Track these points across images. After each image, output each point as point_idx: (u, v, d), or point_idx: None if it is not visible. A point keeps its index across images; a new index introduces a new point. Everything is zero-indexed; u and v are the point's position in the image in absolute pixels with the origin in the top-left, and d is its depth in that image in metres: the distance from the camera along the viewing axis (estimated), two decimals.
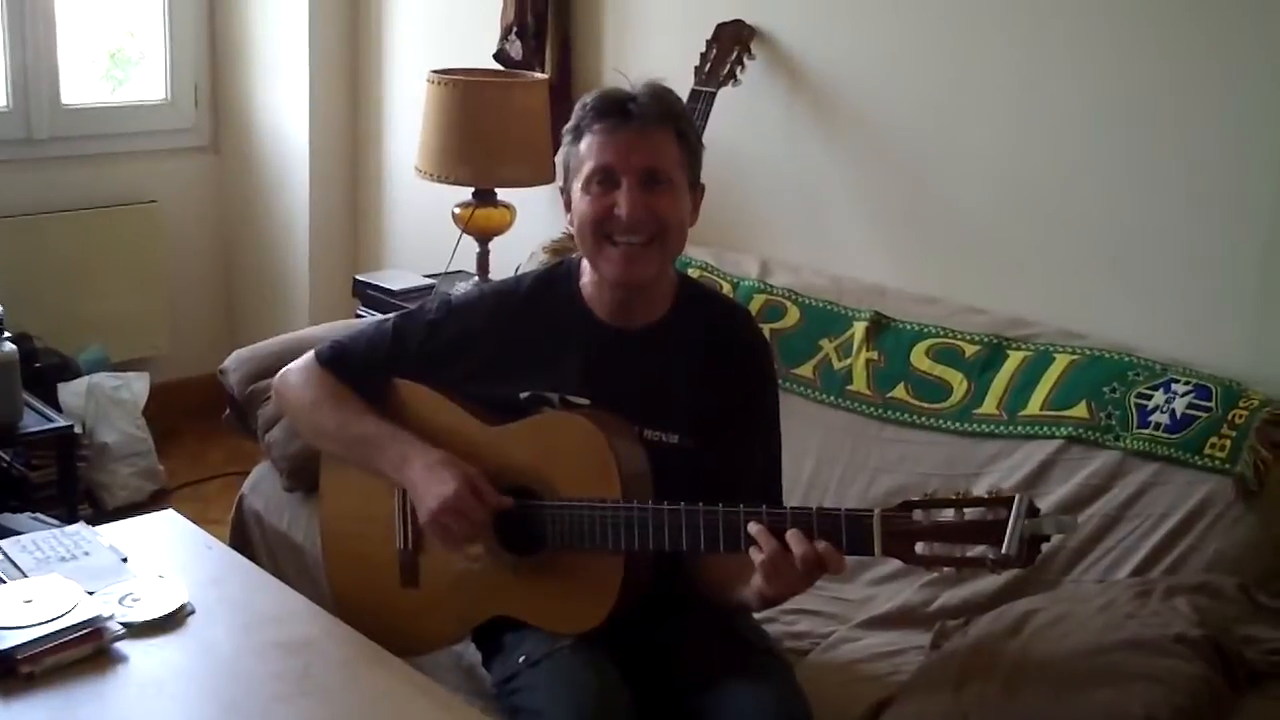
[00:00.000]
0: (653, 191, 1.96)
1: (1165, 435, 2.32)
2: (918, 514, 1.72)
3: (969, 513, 1.69)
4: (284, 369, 2.26)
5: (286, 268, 4.52)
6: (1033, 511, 1.68)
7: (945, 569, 1.75)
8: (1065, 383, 2.48)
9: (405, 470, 2.04)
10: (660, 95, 2.00)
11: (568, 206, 2.05)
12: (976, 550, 1.68)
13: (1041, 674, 1.93)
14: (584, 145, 1.99)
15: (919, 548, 1.72)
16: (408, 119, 4.05)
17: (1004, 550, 1.65)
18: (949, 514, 1.71)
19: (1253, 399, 2.30)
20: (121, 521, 2.29)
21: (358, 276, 3.90)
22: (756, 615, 2.15)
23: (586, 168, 1.98)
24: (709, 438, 2.04)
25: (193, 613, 1.95)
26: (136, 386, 4.03)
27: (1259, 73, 2.42)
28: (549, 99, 3.48)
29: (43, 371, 3.79)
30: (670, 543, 1.87)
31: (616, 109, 1.97)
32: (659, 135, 1.97)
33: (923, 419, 2.62)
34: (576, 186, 2.01)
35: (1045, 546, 1.73)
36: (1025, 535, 1.66)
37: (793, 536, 1.77)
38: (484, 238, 3.61)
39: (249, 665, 1.88)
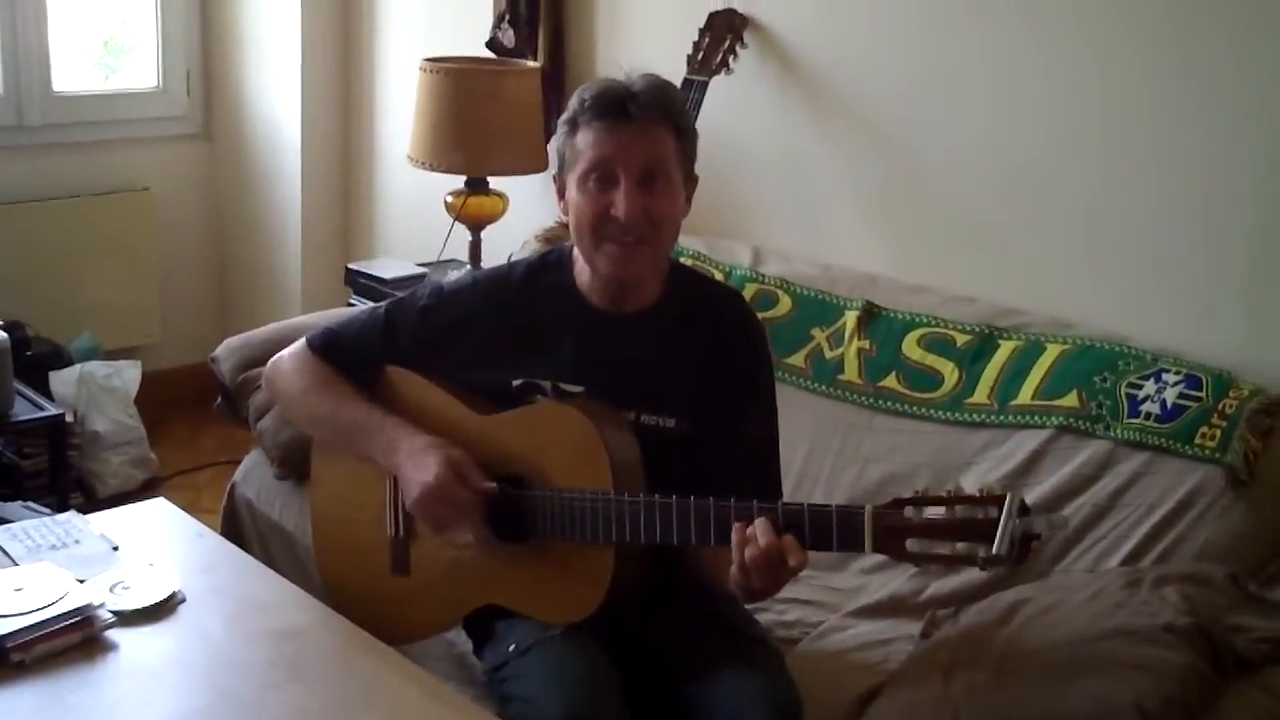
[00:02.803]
0: (650, 191, 1.96)
1: (1156, 425, 2.33)
2: (909, 511, 1.71)
3: (960, 510, 1.69)
4: (276, 356, 2.26)
5: (278, 256, 4.51)
6: (1024, 510, 1.68)
7: (935, 566, 1.74)
8: (1056, 372, 2.49)
9: (393, 456, 2.04)
10: (659, 92, 1.99)
11: (561, 194, 2.05)
12: (967, 548, 1.68)
13: (1031, 663, 1.94)
14: (581, 139, 1.99)
15: (910, 545, 1.71)
16: (400, 107, 4.04)
17: (995, 550, 1.64)
18: (940, 511, 1.70)
19: (1243, 389, 2.31)
20: (112, 510, 2.29)
21: (350, 265, 3.89)
22: (747, 605, 2.16)
23: (583, 163, 1.98)
24: (705, 421, 2.04)
25: (184, 601, 1.95)
26: (128, 375, 4.02)
27: (1249, 63, 2.41)
28: (541, 87, 3.48)
29: (34, 359, 3.78)
30: (661, 535, 1.87)
31: (616, 107, 1.96)
32: (657, 133, 1.97)
33: (914, 408, 2.62)
34: (572, 179, 2.01)
35: (1035, 542, 1.73)
36: (1016, 534, 1.65)
37: (760, 526, 1.77)
38: (476, 226, 3.61)
39: (240, 653, 1.88)
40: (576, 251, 2.07)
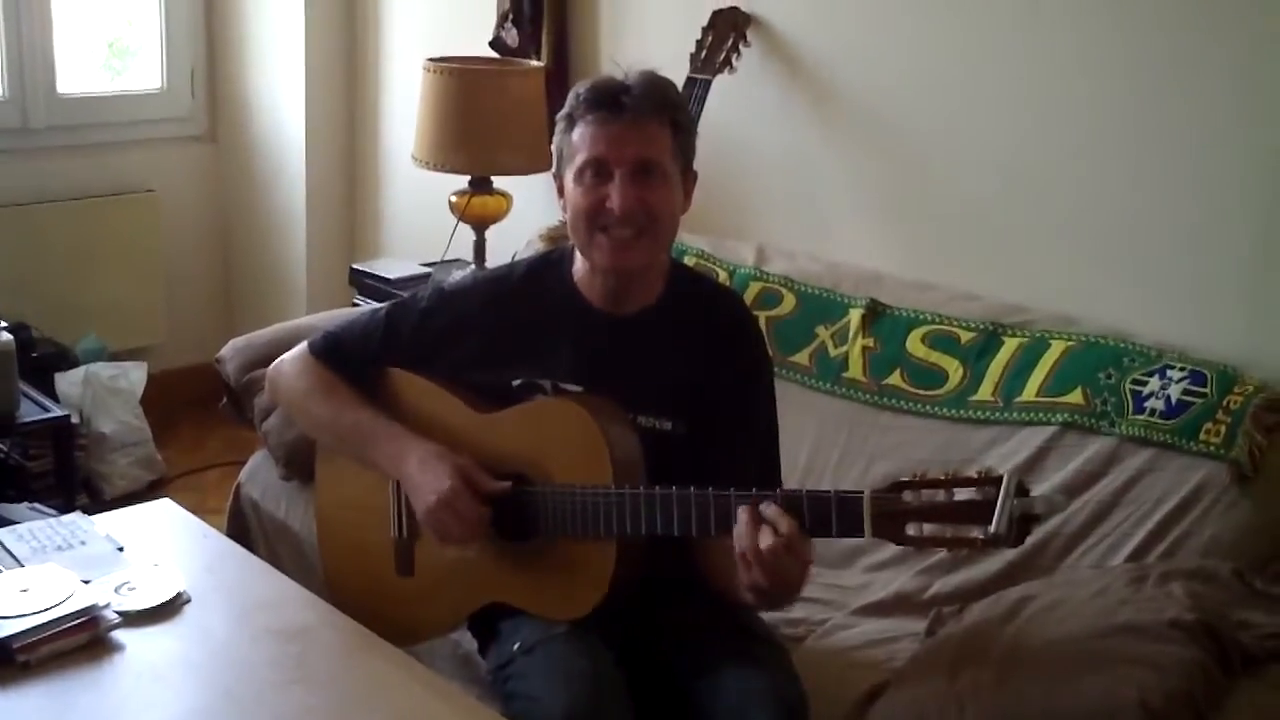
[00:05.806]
0: (645, 184, 1.96)
1: (1160, 421, 2.32)
2: (908, 495, 1.71)
3: (959, 493, 1.69)
4: (277, 360, 2.26)
5: (284, 256, 4.51)
6: (1022, 491, 1.68)
7: (935, 549, 1.74)
8: (1061, 369, 2.48)
9: (401, 465, 2.04)
10: (653, 85, 1.99)
11: (561, 193, 2.05)
12: (966, 530, 1.68)
13: (1036, 660, 1.94)
14: (576, 135, 1.99)
15: (909, 528, 1.71)
16: (404, 107, 4.04)
17: (993, 529, 1.65)
18: (939, 494, 1.70)
19: (1248, 384, 2.30)
20: (118, 511, 2.29)
21: (355, 265, 3.90)
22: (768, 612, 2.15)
23: (579, 158, 1.98)
24: (702, 423, 2.04)
25: (189, 601, 1.95)
26: (134, 376, 4.03)
27: (1255, 59, 2.41)
28: (545, 86, 3.48)
29: (40, 361, 3.79)
30: (662, 527, 1.86)
31: (609, 100, 1.96)
32: (652, 126, 1.97)
33: (919, 405, 2.62)
34: (569, 175, 2.01)
35: (1037, 529, 1.73)
36: (1015, 514, 1.65)
37: (774, 511, 1.76)
38: (480, 226, 3.61)
39: (245, 653, 1.88)
40: (577, 251, 2.07)
